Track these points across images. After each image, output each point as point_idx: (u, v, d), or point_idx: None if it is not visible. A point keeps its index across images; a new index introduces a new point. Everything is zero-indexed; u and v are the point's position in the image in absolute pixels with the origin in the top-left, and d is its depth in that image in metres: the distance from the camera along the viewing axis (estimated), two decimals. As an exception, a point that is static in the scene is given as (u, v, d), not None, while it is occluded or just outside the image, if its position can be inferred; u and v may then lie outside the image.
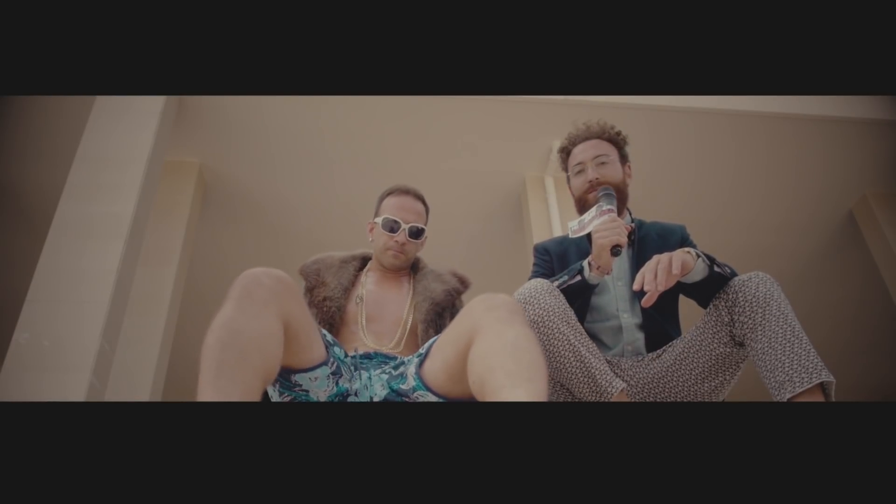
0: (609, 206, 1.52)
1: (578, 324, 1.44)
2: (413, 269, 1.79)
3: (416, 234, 1.71)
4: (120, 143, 3.12)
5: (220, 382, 0.92)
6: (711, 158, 4.16)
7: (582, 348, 1.38)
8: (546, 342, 1.40)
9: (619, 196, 1.64)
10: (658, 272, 1.30)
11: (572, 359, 1.39)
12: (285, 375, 1.26)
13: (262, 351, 1.01)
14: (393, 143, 3.96)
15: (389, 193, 1.77)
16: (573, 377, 1.39)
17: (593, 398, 1.34)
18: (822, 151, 4.10)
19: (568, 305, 1.44)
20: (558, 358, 1.40)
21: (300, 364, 1.24)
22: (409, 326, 1.59)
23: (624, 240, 1.42)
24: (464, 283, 1.74)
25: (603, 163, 1.69)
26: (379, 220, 1.73)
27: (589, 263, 1.48)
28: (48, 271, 2.73)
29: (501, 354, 1.03)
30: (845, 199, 4.47)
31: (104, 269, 2.75)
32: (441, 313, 1.61)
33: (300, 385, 1.27)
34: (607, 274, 1.47)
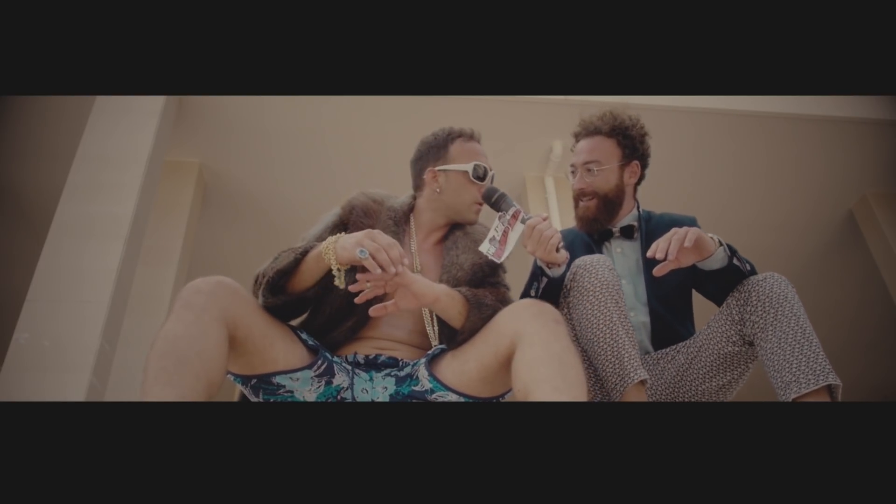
0: (512, 210, 1.34)
1: (626, 307, 1.40)
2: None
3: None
4: (120, 143, 3.11)
5: (154, 390, 0.94)
6: (711, 158, 4.15)
7: (621, 329, 1.34)
8: (589, 313, 1.36)
9: (609, 202, 1.63)
10: (672, 242, 1.29)
11: (608, 335, 1.33)
12: (266, 380, 1.22)
13: (202, 355, 1.01)
14: (393, 143, 3.95)
15: (460, 136, 1.46)
16: (601, 353, 1.34)
17: (614, 379, 1.31)
18: (822, 151, 4.10)
19: (621, 287, 1.40)
20: (594, 330, 1.35)
21: (274, 367, 1.20)
22: (433, 314, 1.35)
23: (558, 236, 1.31)
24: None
25: (590, 170, 1.66)
26: (468, 167, 1.41)
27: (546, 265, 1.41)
28: (48, 271, 2.72)
29: (549, 366, 1.06)
30: (845, 199, 4.46)
31: (104, 269, 2.75)
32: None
33: (284, 386, 1.23)
34: (564, 261, 1.38)
